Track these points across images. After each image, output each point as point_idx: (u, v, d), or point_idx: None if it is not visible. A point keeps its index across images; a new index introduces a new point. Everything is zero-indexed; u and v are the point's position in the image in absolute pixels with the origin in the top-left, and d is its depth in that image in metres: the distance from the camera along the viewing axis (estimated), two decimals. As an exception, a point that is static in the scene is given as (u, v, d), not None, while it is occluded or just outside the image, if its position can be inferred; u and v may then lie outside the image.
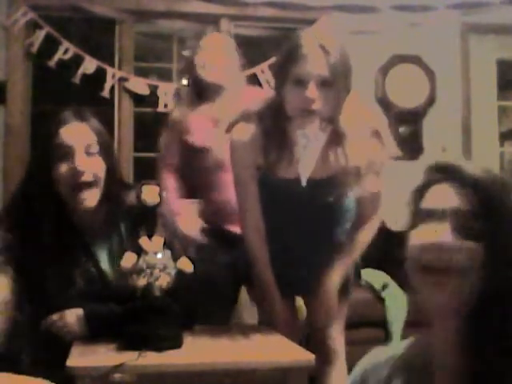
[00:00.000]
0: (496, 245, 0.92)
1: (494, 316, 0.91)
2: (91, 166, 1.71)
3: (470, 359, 0.91)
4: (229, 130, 1.88)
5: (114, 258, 1.74)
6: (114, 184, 1.76)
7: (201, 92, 2.51)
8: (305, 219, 1.87)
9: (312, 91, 1.70)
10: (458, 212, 0.94)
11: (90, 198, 1.72)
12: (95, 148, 1.72)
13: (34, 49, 3.69)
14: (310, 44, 1.71)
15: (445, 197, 0.97)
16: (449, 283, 0.93)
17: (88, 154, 1.71)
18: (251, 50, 4.00)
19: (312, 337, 2.02)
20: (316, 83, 1.70)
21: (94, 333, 1.66)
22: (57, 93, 3.85)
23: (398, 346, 1.08)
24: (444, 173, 0.99)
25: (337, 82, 1.71)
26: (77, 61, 3.69)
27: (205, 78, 2.47)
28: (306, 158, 1.77)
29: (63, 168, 1.69)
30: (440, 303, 0.94)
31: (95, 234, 1.78)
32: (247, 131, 1.82)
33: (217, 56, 2.50)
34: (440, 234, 0.94)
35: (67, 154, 1.69)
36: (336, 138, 1.77)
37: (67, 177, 1.69)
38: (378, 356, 1.09)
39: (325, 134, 1.76)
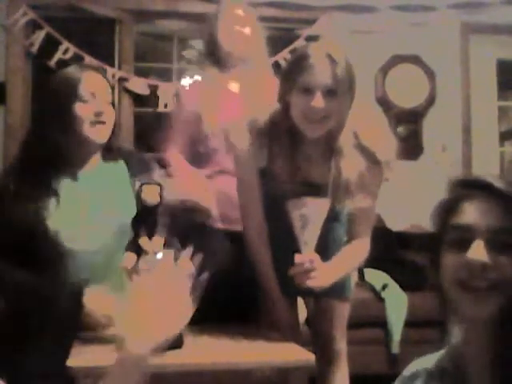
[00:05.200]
0: None
1: None
2: None
3: (501, 364, 0.96)
4: (233, 136, 1.89)
5: None
6: None
7: (218, 60, 2.30)
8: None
9: (318, 101, 1.71)
10: (490, 228, 0.98)
11: None
12: None
13: (34, 49, 3.69)
14: (318, 54, 1.73)
15: (476, 213, 1.00)
16: (484, 299, 0.98)
17: None
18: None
19: (315, 337, 2.03)
20: (323, 93, 1.71)
21: None
22: (57, 93, 3.85)
23: (433, 356, 1.12)
24: (473, 189, 1.02)
25: (343, 92, 1.72)
26: (77, 61, 3.68)
27: (227, 47, 2.27)
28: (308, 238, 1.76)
29: None
30: (476, 316, 1.00)
31: None
32: (253, 138, 1.83)
33: (240, 26, 2.29)
34: (475, 251, 0.97)
35: None
36: (333, 151, 1.79)
37: None
38: (416, 365, 1.14)
39: (324, 208, 1.75)
